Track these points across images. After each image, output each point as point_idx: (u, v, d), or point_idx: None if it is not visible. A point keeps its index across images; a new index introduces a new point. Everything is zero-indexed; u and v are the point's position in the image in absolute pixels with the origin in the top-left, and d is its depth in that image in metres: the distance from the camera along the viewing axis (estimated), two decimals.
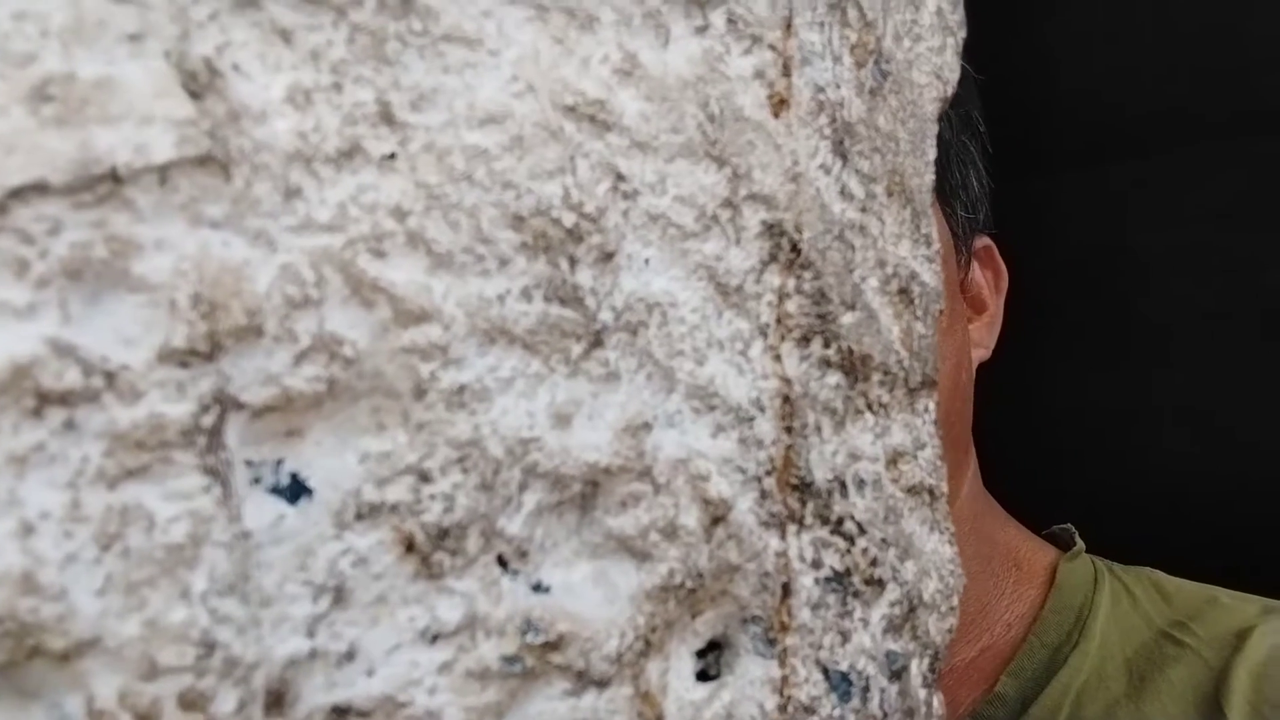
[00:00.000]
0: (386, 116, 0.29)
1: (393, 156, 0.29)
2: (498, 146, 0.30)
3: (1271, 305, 2.01)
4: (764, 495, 0.37)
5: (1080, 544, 0.76)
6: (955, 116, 0.72)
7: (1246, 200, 2.03)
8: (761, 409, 0.38)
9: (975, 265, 0.75)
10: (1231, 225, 2.05)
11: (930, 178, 0.48)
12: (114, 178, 0.24)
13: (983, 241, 0.75)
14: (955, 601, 0.46)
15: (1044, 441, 2.15)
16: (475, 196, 0.30)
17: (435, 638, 0.29)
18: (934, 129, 0.49)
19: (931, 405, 0.46)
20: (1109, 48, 1.76)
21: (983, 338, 0.74)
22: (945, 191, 0.70)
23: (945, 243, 0.68)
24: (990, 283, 0.76)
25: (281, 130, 0.27)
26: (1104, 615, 0.70)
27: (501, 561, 0.30)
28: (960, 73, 0.76)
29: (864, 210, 0.43)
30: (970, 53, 0.76)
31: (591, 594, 0.33)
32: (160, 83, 0.25)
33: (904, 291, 0.45)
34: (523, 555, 0.31)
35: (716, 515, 0.35)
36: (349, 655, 0.28)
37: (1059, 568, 0.73)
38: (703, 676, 0.37)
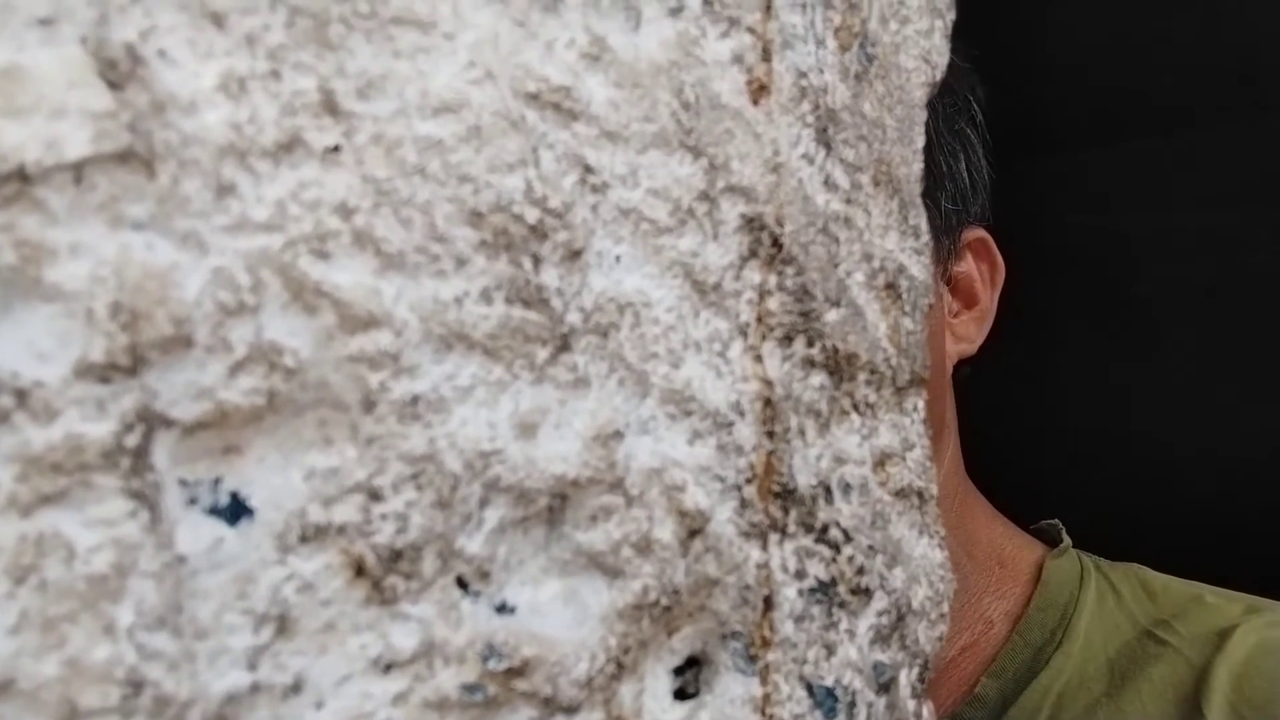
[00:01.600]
0: (330, 106, 0.26)
1: (337, 149, 0.26)
2: (453, 137, 0.28)
3: (1260, 287, 2.00)
4: (744, 504, 0.35)
5: (1067, 540, 0.75)
6: (942, 104, 0.70)
7: (1234, 183, 2.01)
8: (741, 413, 0.36)
9: (969, 257, 0.73)
10: (1219, 208, 2.03)
11: (919, 166, 0.46)
12: (22, 176, 0.22)
13: (977, 233, 0.73)
14: (946, 608, 0.44)
15: (1032, 430, 2.14)
16: (429, 191, 0.28)
17: (389, 667, 0.27)
18: (922, 115, 0.47)
19: (921, 404, 0.44)
20: (1094, 31, 1.74)
21: (969, 332, 0.72)
22: (928, 184, 0.68)
23: None
24: (985, 276, 0.74)
25: (213, 122, 0.25)
26: (1089, 614, 0.69)
27: (461, 583, 0.28)
28: (955, 58, 0.74)
29: (849, 201, 0.41)
30: (959, 37, 0.74)
31: (560, 614, 0.31)
32: (75, 71, 0.22)
33: (891, 286, 0.43)
34: (484, 576, 0.29)
35: (693, 527, 0.33)
36: (295, 688, 0.26)
37: (1045, 565, 0.72)
38: (681, 695, 0.35)
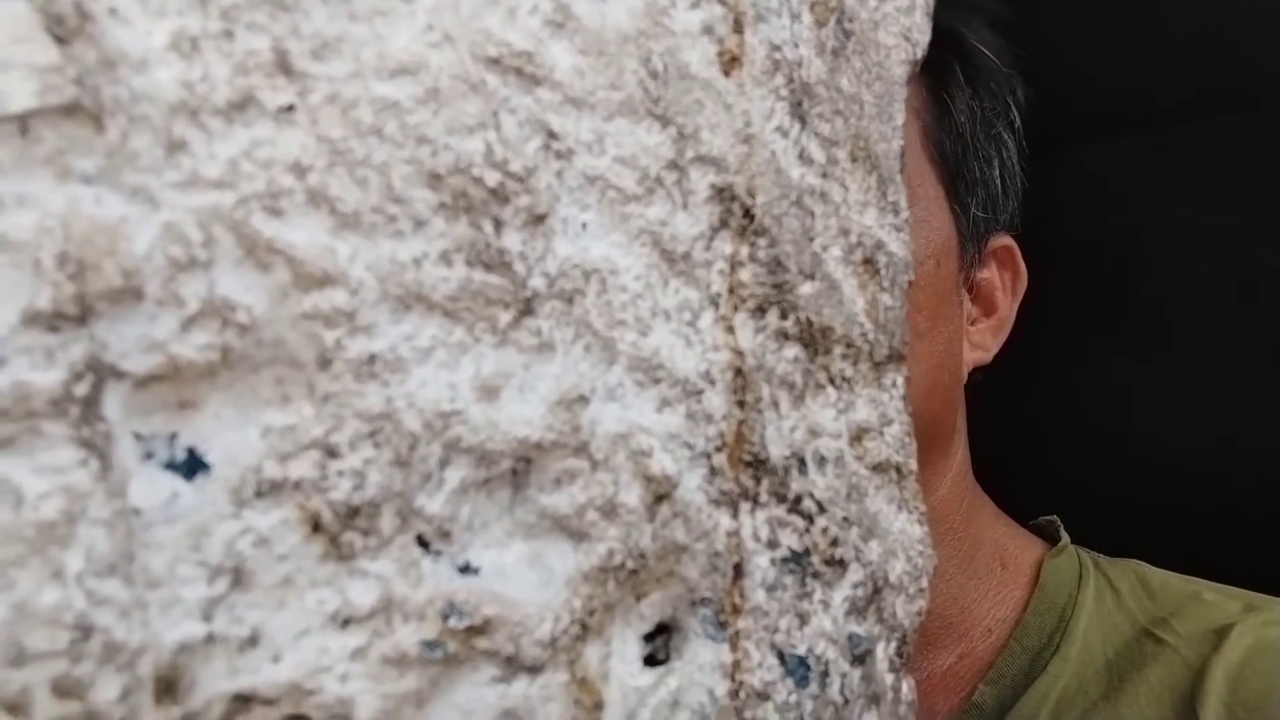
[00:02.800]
0: (284, 66, 0.27)
1: (291, 109, 0.27)
2: (411, 99, 0.29)
3: (1265, 283, 1.99)
4: (714, 472, 0.36)
5: (1065, 538, 0.74)
6: (983, 109, 0.69)
7: (1238, 180, 2.01)
8: (711, 382, 0.36)
9: (992, 264, 0.72)
10: (1223, 205, 2.03)
11: (899, 144, 0.46)
12: None
13: (1003, 241, 0.72)
14: (925, 583, 0.44)
15: (1037, 426, 2.13)
16: (386, 152, 0.28)
17: (347, 622, 0.27)
18: (902, 93, 0.47)
19: (900, 380, 0.44)
20: (1094, 27, 1.74)
21: (985, 340, 0.72)
22: (959, 188, 0.68)
23: (945, 240, 0.66)
24: (1007, 284, 0.73)
25: (165, 80, 0.25)
26: (1087, 615, 0.68)
27: (422, 542, 0.29)
28: (986, 64, 0.73)
29: (825, 176, 0.42)
30: (1005, 38, 0.73)
31: (525, 576, 0.31)
32: (20, 27, 0.23)
33: (869, 261, 0.43)
34: (445, 535, 0.29)
35: (660, 493, 0.33)
36: (252, 640, 0.26)
37: (1044, 565, 0.71)
38: (651, 661, 0.35)
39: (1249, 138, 1.97)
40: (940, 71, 0.67)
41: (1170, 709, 0.62)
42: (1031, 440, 2.03)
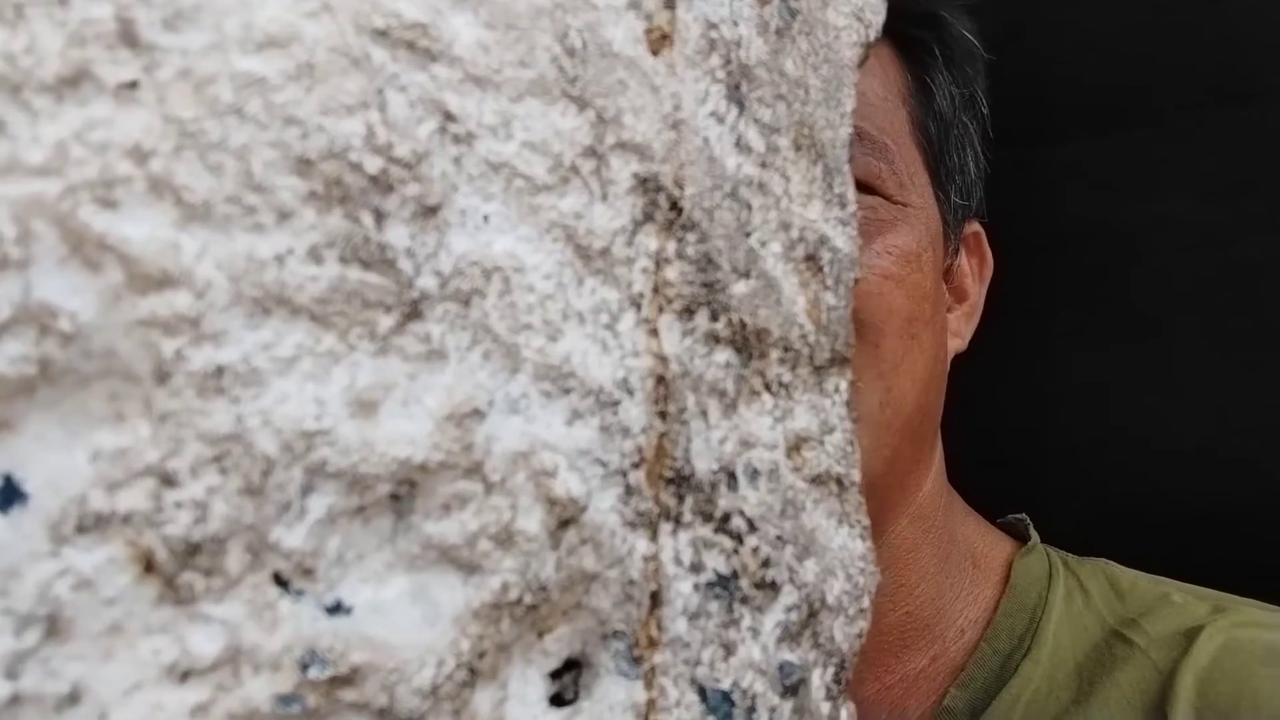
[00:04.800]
0: (128, 37, 0.23)
1: (134, 85, 0.23)
2: (279, 75, 0.25)
3: (1251, 276, 1.98)
4: (629, 491, 0.32)
5: (1035, 537, 0.73)
6: (960, 95, 0.68)
7: (1227, 176, 1.99)
8: (630, 391, 0.33)
9: (962, 251, 0.72)
10: (1212, 200, 2.01)
11: (846, 131, 0.43)
12: None
13: (972, 228, 0.72)
14: (866, 603, 0.41)
15: (1024, 421, 2.12)
16: (246, 134, 0.24)
17: (186, 675, 0.24)
18: (852, 76, 0.44)
19: (844, 385, 0.41)
20: (1086, 21, 1.71)
21: (960, 328, 0.71)
22: (942, 176, 0.67)
23: (930, 234, 0.65)
24: (975, 271, 0.73)
25: None
26: (1057, 616, 0.67)
27: (279, 580, 0.25)
28: (966, 48, 0.71)
29: (764, 165, 0.38)
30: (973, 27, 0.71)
31: (407, 614, 0.27)
32: None
33: (811, 258, 0.40)
34: (307, 573, 0.25)
35: (565, 517, 0.30)
36: (71, 698, 0.23)
37: (1014, 564, 0.70)
38: (557, 700, 0.31)
39: (1242, 133, 1.95)
40: (923, 56, 0.66)
41: (1141, 713, 0.61)
42: (1014, 437, 2.02)
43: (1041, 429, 2.14)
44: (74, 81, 0.22)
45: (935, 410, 0.67)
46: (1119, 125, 2.06)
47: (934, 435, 0.69)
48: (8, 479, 0.22)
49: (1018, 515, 0.75)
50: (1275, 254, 1.95)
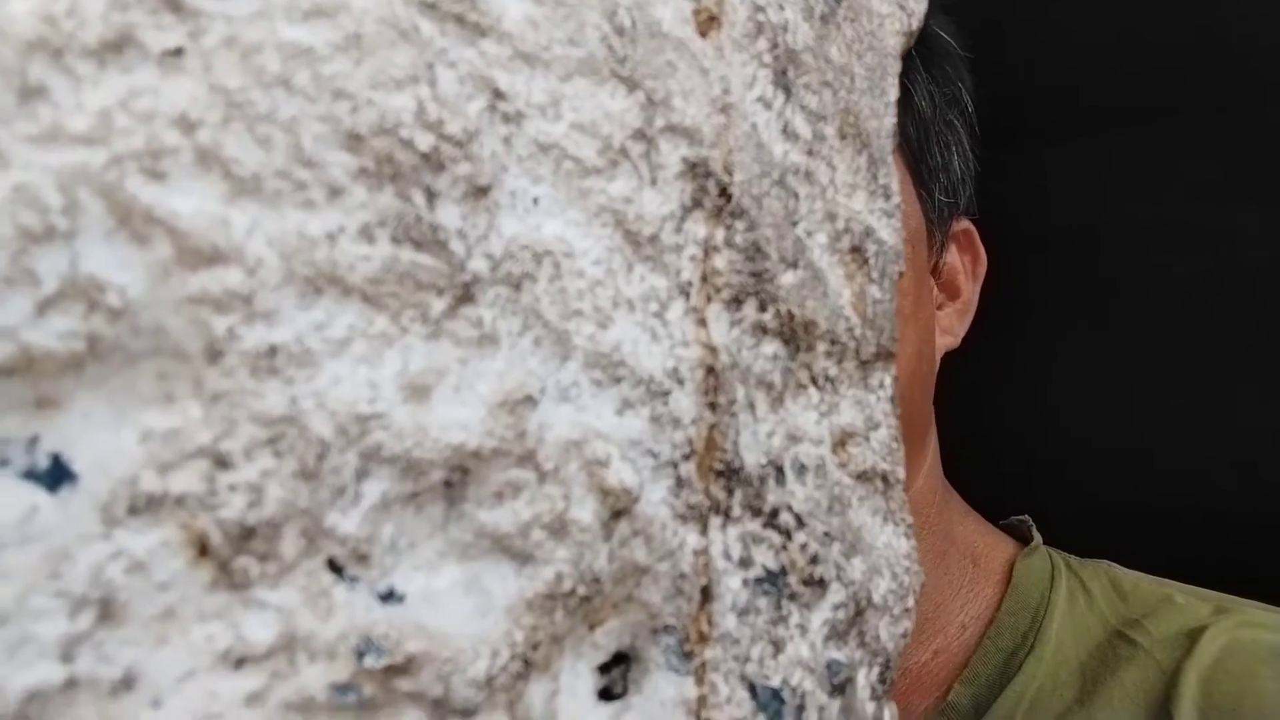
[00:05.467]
0: (172, 2, 0.22)
1: (179, 52, 0.22)
2: (327, 45, 0.24)
3: (1250, 278, 1.98)
4: (680, 483, 0.31)
5: (1037, 537, 0.73)
6: (940, 94, 0.69)
7: (1224, 177, 1.99)
8: (680, 381, 0.32)
9: (953, 249, 0.72)
10: (1210, 200, 2.01)
11: (890, 121, 0.42)
12: None
13: (962, 225, 0.72)
14: (911, 602, 0.40)
15: (1023, 423, 2.11)
16: (295, 107, 0.24)
17: (241, 662, 0.23)
18: (896, 66, 0.43)
19: (889, 380, 0.40)
20: (1085, 21, 1.71)
21: (953, 325, 0.71)
22: (923, 174, 0.67)
23: (917, 225, 0.65)
24: (967, 268, 0.73)
25: (19, 12, 0.21)
26: (1060, 616, 0.67)
27: (334, 567, 0.24)
28: (944, 48, 0.71)
29: (810, 153, 0.37)
30: (956, 25, 0.71)
31: (460, 603, 0.27)
32: None
33: (857, 250, 0.39)
34: (362, 559, 0.25)
35: (617, 508, 0.29)
36: (125, 683, 0.22)
37: (1016, 564, 0.70)
38: (606, 695, 0.31)
39: (1242, 134, 1.95)
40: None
41: (1144, 712, 0.61)
42: (1013, 438, 2.01)
43: (1040, 430, 2.13)
44: (118, 47, 0.22)
45: (922, 407, 0.67)
46: (1118, 125, 2.06)
47: (923, 433, 0.68)
48: (56, 459, 0.22)
49: (1020, 517, 0.75)
50: (1274, 255, 1.94)
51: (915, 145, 0.66)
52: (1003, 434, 1.98)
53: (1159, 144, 2.07)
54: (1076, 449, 2.11)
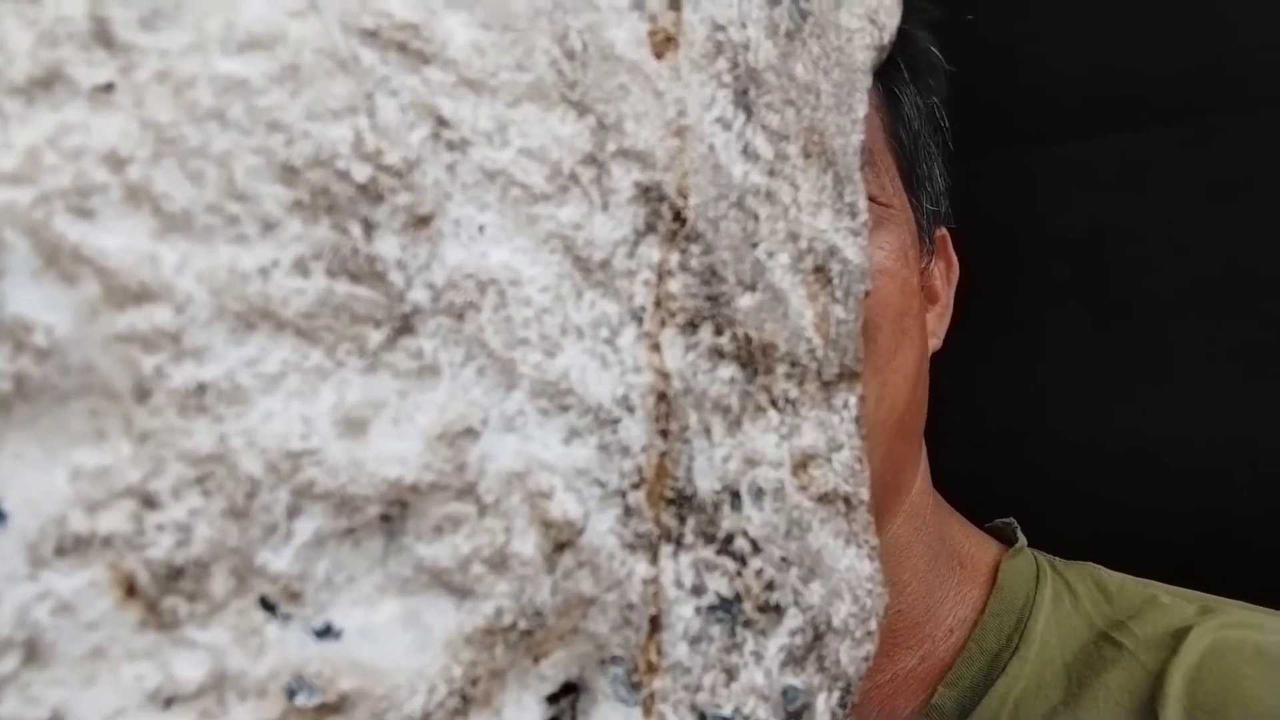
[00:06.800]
0: (103, 37, 0.22)
1: (110, 88, 0.22)
2: (263, 78, 0.24)
3: (1248, 279, 1.98)
4: (629, 512, 0.31)
5: (1022, 539, 0.73)
6: (923, 107, 0.70)
7: (1223, 179, 1.99)
8: (630, 409, 0.32)
9: (932, 256, 0.74)
10: (1208, 202, 2.01)
11: (858, 138, 0.42)
12: None
13: (939, 232, 0.75)
14: (874, 625, 0.40)
15: (1015, 425, 2.11)
16: (228, 140, 0.23)
17: (170, 701, 0.23)
18: (865, 81, 0.43)
19: (853, 400, 0.40)
20: (1080, 23, 1.70)
21: (936, 328, 0.73)
22: (913, 183, 0.69)
23: (911, 235, 0.67)
24: (943, 273, 0.75)
25: None
26: (1045, 617, 0.68)
27: (266, 604, 0.24)
28: (929, 61, 0.72)
29: (772, 174, 0.37)
30: (941, 29, 0.71)
31: (399, 639, 0.26)
32: None
33: (820, 270, 0.39)
34: (294, 596, 0.24)
35: (561, 540, 0.29)
36: None
37: (1001, 566, 0.71)
38: None
39: (1242, 135, 1.95)
40: (889, 68, 0.67)
41: (1130, 713, 0.62)
42: (1009, 441, 2.01)
43: (1035, 433, 2.14)
44: (46, 83, 0.21)
45: (923, 406, 0.68)
46: (1116, 128, 2.05)
47: (921, 432, 0.70)
48: None
49: (1005, 519, 0.76)
50: (1272, 257, 1.94)
51: (908, 152, 0.68)
52: (998, 436, 1.98)
53: (1157, 146, 2.07)
54: (1071, 451, 2.11)
